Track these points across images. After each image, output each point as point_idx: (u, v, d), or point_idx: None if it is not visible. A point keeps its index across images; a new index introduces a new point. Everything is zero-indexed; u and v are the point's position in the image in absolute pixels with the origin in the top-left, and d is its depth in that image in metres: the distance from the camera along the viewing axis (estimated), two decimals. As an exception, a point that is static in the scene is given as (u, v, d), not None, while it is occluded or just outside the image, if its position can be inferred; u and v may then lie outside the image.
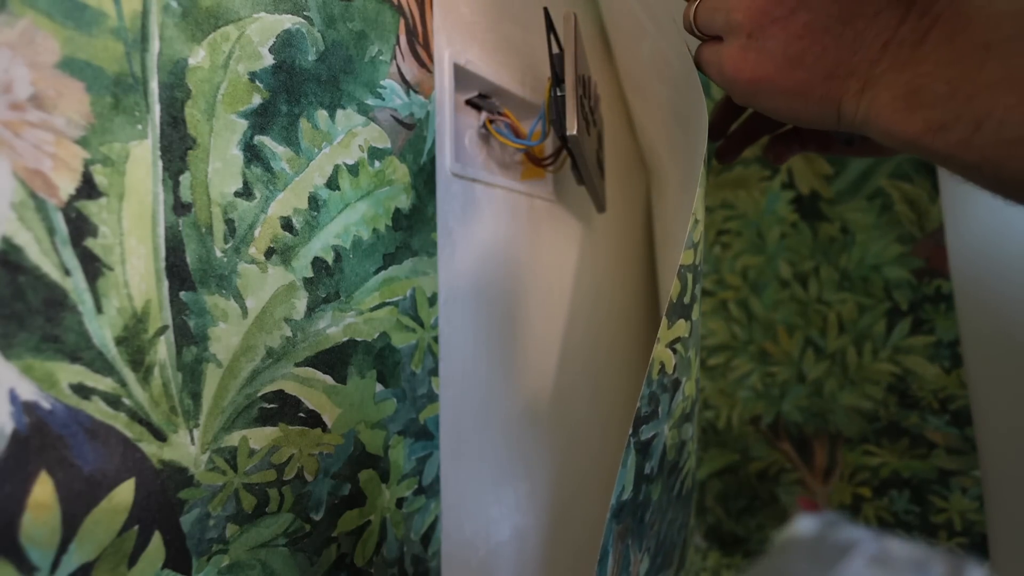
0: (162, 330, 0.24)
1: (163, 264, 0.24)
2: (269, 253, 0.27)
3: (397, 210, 0.34)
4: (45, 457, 0.20)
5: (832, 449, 0.63)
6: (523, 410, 0.45)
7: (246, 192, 0.27)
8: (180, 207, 0.24)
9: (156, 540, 0.23)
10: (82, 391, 0.21)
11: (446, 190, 0.37)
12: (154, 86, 0.23)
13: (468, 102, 0.41)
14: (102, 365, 0.22)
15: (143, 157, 0.23)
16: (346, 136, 0.31)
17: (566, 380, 0.50)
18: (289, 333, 0.28)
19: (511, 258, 0.44)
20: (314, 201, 0.29)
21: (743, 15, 0.28)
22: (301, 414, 0.29)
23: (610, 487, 0.55)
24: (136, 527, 0.23)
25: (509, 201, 0.44)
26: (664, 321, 0.30)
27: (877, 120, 0.25)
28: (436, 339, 0.36)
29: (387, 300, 0.33)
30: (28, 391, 0.20)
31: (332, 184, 0.30)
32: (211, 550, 0.25)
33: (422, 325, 0.35)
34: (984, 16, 0.23)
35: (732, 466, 0.69)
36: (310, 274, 0.29)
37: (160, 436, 0.24)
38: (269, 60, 0.27)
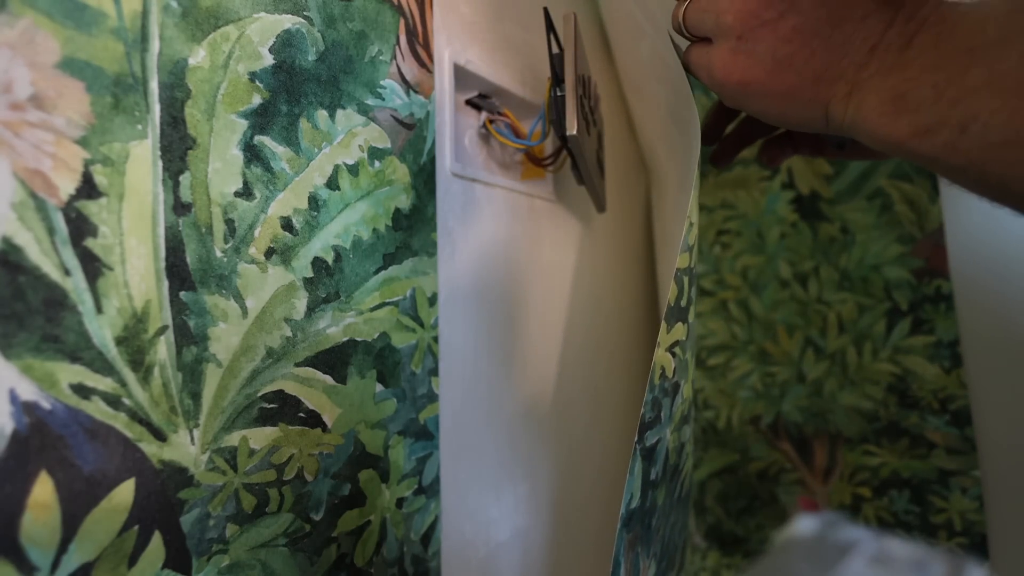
0: (162, 330, 0.24)
1: (163, 264, 0.24)
2: (269, 253, 0.27)
3: (397, 210, 0.34)
4: (45, 457, 0.20)
5: (832, 449, 0.63)
6: (523, 410, 0.45)
7: (246, 192, 0.27)
8: (180, 207, 0.24)
9: (156, 540, 0.23)
10: (82, 391, 0.21)
11: (446, 190, 0.37)
12: (154, 86, 0.23)
13: (468, 102, 0.41)
14: (102, 365, 0.22)
15: (143, 157, 0.23)
16: (346, 136, 0.31)
17: (566, 380, 0.50)
18: (289, 333, 0.28)
19: (511, 258, 0.44)
20: (314, 201, 0.29)
21: (733, 18, 0.28)
22: (301, 414, 0.29)
23: (610, 486, 0.56)
24: (136, 527, 0.23)
25: (509, 201, 0.44)
26: (663, 325, 0.30)
27: (864, 123, 0.26)
28: (436, 339, 0.36)
29: (387, 300, 0.33)
30: (28, 391, 0.20)
31: (332, 184, 0.30)
32: (211, 550, 0.25)
33: (422, 325, 0.35)
34: (969, 21, 0.23)
35: (732, 466, 0.69)
36: (310, 274, 0.29)
37: (160, 436, 0.24)
38: (269, 60, 0.27)
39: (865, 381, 0.61)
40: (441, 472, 0.37)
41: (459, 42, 0.39)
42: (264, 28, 0.27)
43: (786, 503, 0.66)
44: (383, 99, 0.33)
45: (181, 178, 0.24)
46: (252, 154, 0.27)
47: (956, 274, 0.55)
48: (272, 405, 0.28)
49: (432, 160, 0.36)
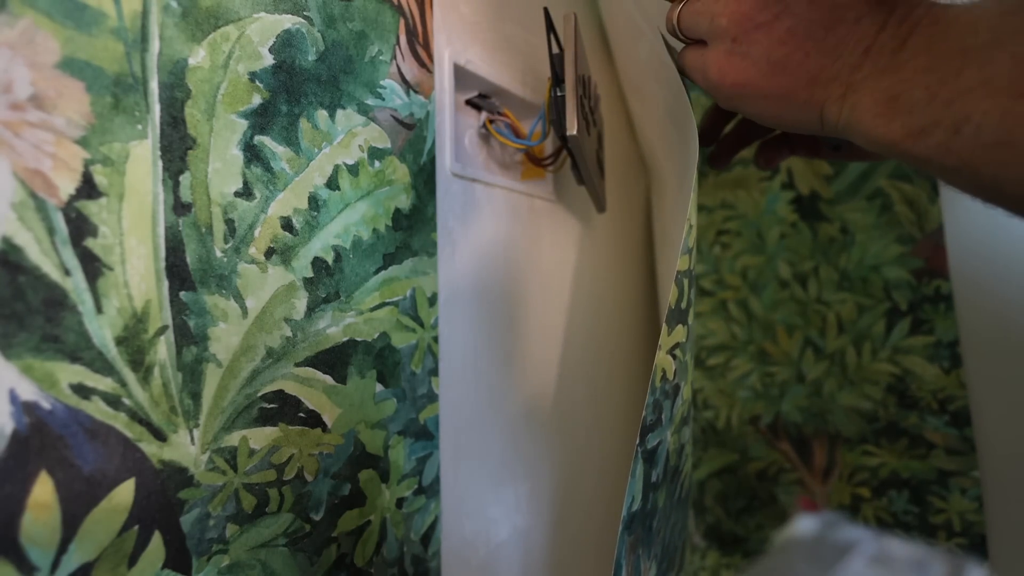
0: (162, 330, 0.24)
1: (163, 264, 0.24)
2: (269, 253, 0.27)
3: (397, 210, 0.34)
4: (45, 457, 0.20)
5: (831, 449, 0.63)
6: (523, 410, 0.45)
7: (246, 192, 0.27)
8: (180, 207, 0.24)
9: (156, 540, 0.23)
10: (82, 391, 0.21)
11: (446, 190, 0.37)
12: (154, 86, 0.23)
13: (468, 102, 0.41)
14: (102, 365, 0.22)
15: (143, 157, 0.23)
16: (346, 136, 0.31)
17: (566, 380, 0.50)
18: (289, 333, 0.28)
19: (511, 258, 0.44)
20: (314, 201, 0.29)
21: (727, 20, 0.28)
22: (301, 414, 0.29)
23: (610, 487, 0.56)
24: (136, 527, 0.23)
25: (509, 201, 0.44)
26: (664, 328, 0.30)
27: (859, 125, 0.26)
28: (436, 339, 0.36)
29: (387, 300, 0.33)
30: (28, 391, 0.20)
31: (332, 184, 0.30)
32: (211, 550, 0.25)
33: (422, 325, 0.35)
34: (961, 23, 0.23)
35: (731, 466, 0.69)
36: (310, 274, 0.29)
37: (160, 436, 0.24)
38: (269, 60, 0.27)
39: (864, 381, 0.61)
40: (441, 472, 0.37)
41: (459, 42, 0.39)
42: (264, 28, 0.27)
43: (785, 503, 0.66)
44: (383, 99, 0.33)
45: (181, 178, 0.24)
46: (252, 154, 0.27)
47: (956, 274, 0.55)
48: (272, 405, 0.28)
49: (432, 160, 0.36)
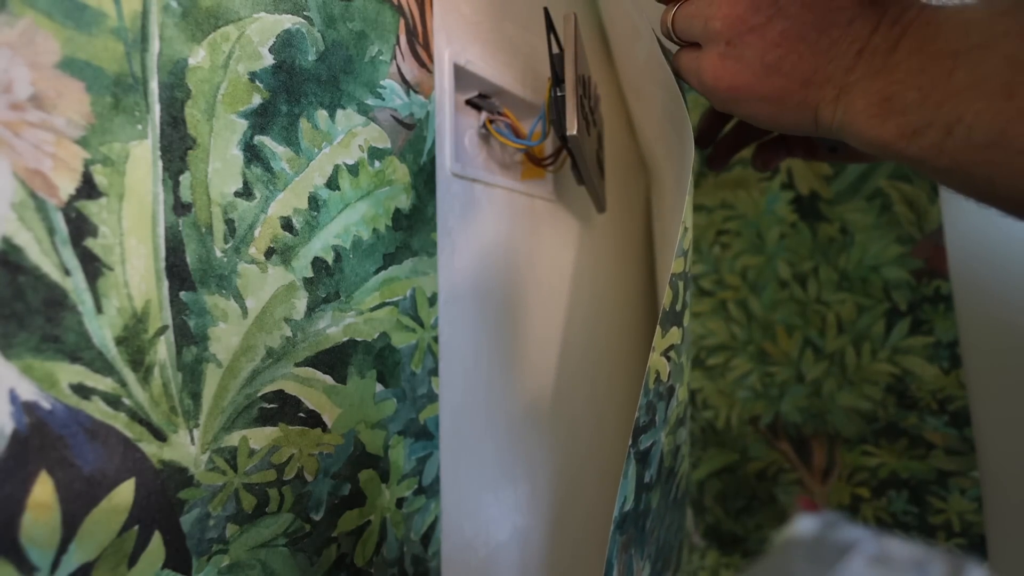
0: (162, 330, 0.24)
1: (163, 264, 0.24)
2: (269, 253, 0.27)
3: (397, 210, 0.34)
4: (45, 457, 0.20)
5: (831, 449, 0.63)
6: (523, 410, 0.45)
7: (246, 192, 0.27)
8: (180, 207, 0.24)
9: (156, 540, 0.23)
10: (82, 391, 0.21)
11: (446, 190, 0.37)
12: (154, 86, 0.23)
13: (468, 102, 0.41)
14: (102, 365, 0.22)
15: (143, 157, 0.23)
16: (346, 136, 0.31)
17: (566, 380, 0.50)
18: (289, 333, 0.28)
19: (511, 258, 0.44)
20: (314, 201, 0.29)
21: (721, 23, 0.29)
22: (301, 414, 0.29)
23: (610, 487, 0.56)
24: (136, 527, 0.23)
25: (509, 201, 0.44)
26: (658, 330, 0.30)
27: (852, 126, 0.26)
28: (436, 339, 0.36)
29: (387, 300, 0.33)
30: (28, 391, 0.20)
31: (332, 184, 0.30)
32: (211, 550, 0.25)
33: (422, 325, 0.35)
34: (952, 25, 0.23)
35: (731, 466, 0.69)
36: (310, 274, 0.29)
37: (160, 436, 0.24)
38: (269, 60, 0.27)
39: (864, 381, 0.61)
40: (441, 472, 0.37)
41: (459, 42, 0.39)
42: (264, 28, 0.27)
43: (784, 503, 0.66)
44: (383, 99, 0.33)
45: (181, 178, 0.24)
46: (252, 154, 0.27)
47: (955, 275, 0.55)
48: (272, 405, 0.28)
49: (432, 160, 0.36)
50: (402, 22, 0.34)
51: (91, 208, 0.21)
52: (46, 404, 0.20)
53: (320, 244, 0.30)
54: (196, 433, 0.25)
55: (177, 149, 0.24)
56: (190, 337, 0.24)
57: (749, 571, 0.66)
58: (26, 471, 0.20)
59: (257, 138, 0.27)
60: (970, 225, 0.54)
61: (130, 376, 0.23)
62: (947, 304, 0.56)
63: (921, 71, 0.24)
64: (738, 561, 0.68)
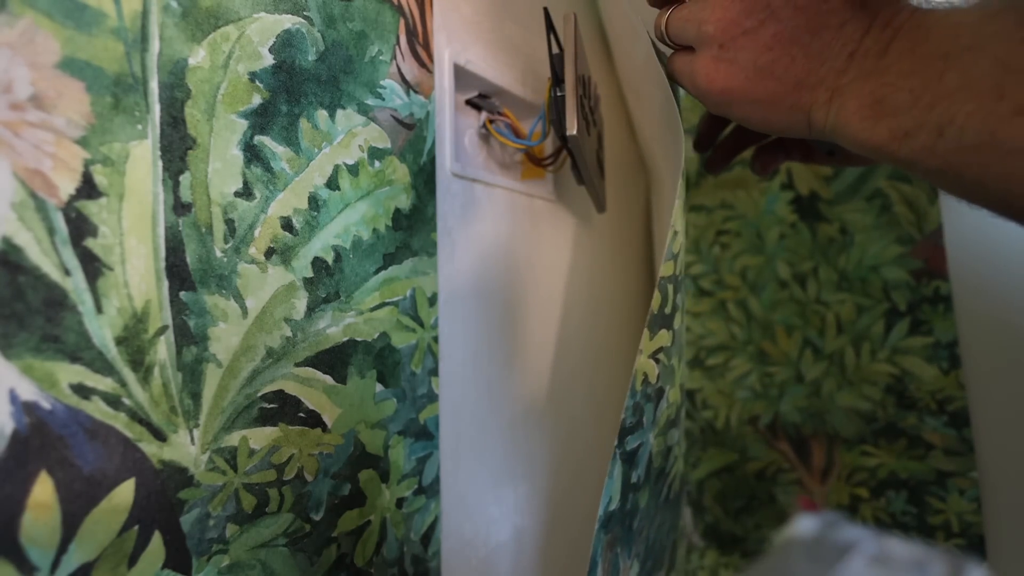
0: (162, 330, 0.24)
1: (163, 264, 0.24)
2: (269, 253, 0.27)
3: (397, 210, 0.34)
4: (45, 457, 0.20)
5: (830, 449, 0.63)
6: (523, 410, 0.45)
7: (246, 192, 0.27)
8: (180, 207, 0.24)
9: (156, 540, 0.23)
10: (82, 391, 0.21)
11: (446, 190, 0.37)
12: (154, 86, 0.23)
13: (468, 102, 0.41)
14: (102, 365, 0.22)
15: (143, 157, 0.23)
16: (346, 136, 0.31)
17: (567, 380, 0.50)
18: (289, 333, 0.28)
19: (511, 258, 0.44)
20: (314, 201, 0.29)
21: (714, 27, 0.29)
22: (301, 414, 0.29)
23: (609, 487, 0.55)
24: (136, 527, 0.23)
25: (509, 201, 0.44)
26: (645, 333, 0.30)
27: (845, 128, 0.26)
28: (436, 339, 0.36)
29: (387, 300, 0.33)
30: (28, 391, 0.20)
31: (332, 184, 0.30)
32: (211, 550, 0.25)
33: (422, 325, 0.35)
34: (942, 27, 0.24)
35: (730, 466, 0.69)
36: (310, 274, 0.29)
37: (160, 436, 0.23)
38: (269, 60, 0.27)
39: (863, 382, 0.61)
40: (441, 472, 0.37)
41: (459, 42, 0.39)
42: (264, 28, 0.27)
43: (784, 503, 0.66)
44: (383, 99, 0.33)
45: (181, 178, 0.24)
46: (252, 154, 0.27)
47: (955, 275, 0.55)
48: (272, 405, 0.28)
49: (432, 160, 0.36)
50: (402, 22, 0.34)
51: (91, 208, 0.21)
52: (46, 404, 0.20)
53: (320, 244, 0.30)
54: (196, 433, 0.25)
55: (177, 149, 0.24)
56: (190, 337, 0.24)
57: (748, 571, 0.66)
58: (26, 471, 0.20)
59: (257, 138, 0.27)
60: (970, 226, 0.54)
61: (130, 376, 0.23)
62: (946, 304, 0.56)
63: (912, 73, 0.24)
64: (737, 561, 0.68)
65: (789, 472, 0.66)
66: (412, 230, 0.35)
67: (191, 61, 0.25)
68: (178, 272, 0.24)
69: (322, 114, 0.30)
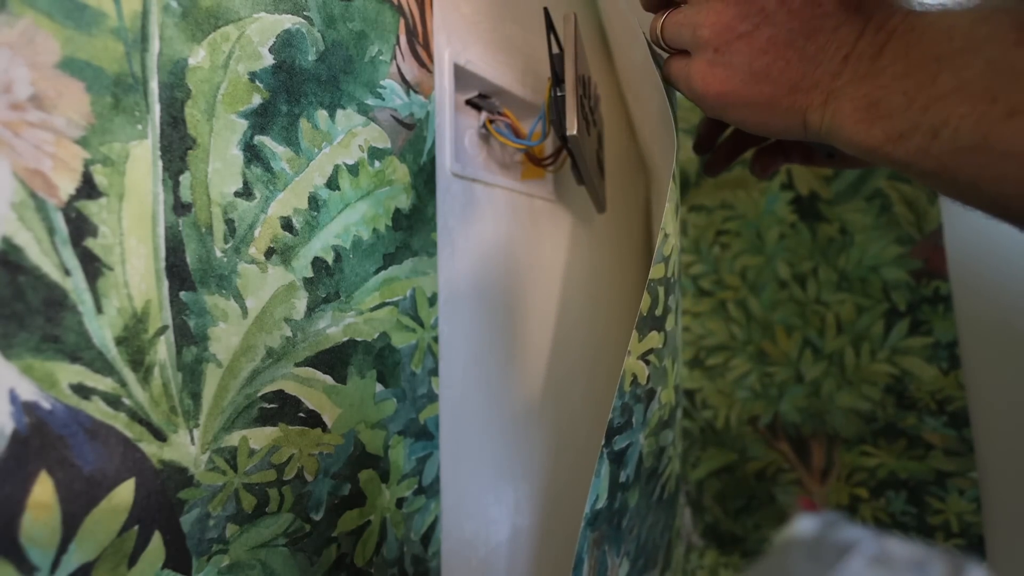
0: (162, 330, 0.24)
1: (163, 264, 0.24)
2: (269, 253, 0.27)
3: (397, 210, 0.34)
4: (45, 457, 0.20)
5: (829, 449, 0.63)
6: (523, 410, 0.45)
7: (246, 192, 0.27)
8: (180, 207, 0.24)
9: (156, 540, 0.23)
10: (82, 391, 0.21)
11: (446, 190, 0.37)
12: (154, 86, 0.23)
13: (468, 102, 0.41)
14: (102, 365, 0.22)
15: (143, 157, 0.23)
16: (346, 136, 0.31)
17: (567, 380, 0.50)
18: (289, 333, 0.28)
19: (511, 258, 0.44)
20: (314, 201, 0.29)
21: (709, 31, 0.29)
22: (301, 414, 0.29)
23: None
24: (136, 527, 0.23)
25: (509, 201, 0.44)
26: (634, 335, 0.30)
27: (840, 130, 0.26)
28: (436, 339, 0.36)
29: (387, 300, 0.33)
30: (28, 391, 0.20)
31: (332, 184, 0.30)
32: (211, 550, 0.25)
33: (422, 325, 0.35)
34: (936, 30, 0.24)
35: (730, 466, 0.69)
36: (310, 274, 0.29)
37: (160, 436, 0.23)
38: (269, 60, 0.27)
39: (863, 382, 0.61)
40: (441, 472, 0.37)
41: (459, 42, 0.39)
42: (264, 28, 0.27)
43: (783, 503, 0.66)
44: (383, 99, 0.33)
45: (181, 178, 0.24)
46: (252, 154, 0.27)
47: (955, 275, 0.55)
48: (272, 405, 0.28)
49: (432, 160, 0.36)
50: (402, 22, 0.34)
51: (91, 208, 0.21)
52: (46, 404, 0.20)
53: (320, 244, 0.30)
54: (196, 433, 0.25)
55: (177, 149, 0.24)
56: (190, 337, 0.24)
57: (748, 571, 0.66)
58: (26, 471, 0.20)
59: (257, 138, 0.27)
60: (969, 226, 0.54)
61: (130, 376, 0.23)
62: (946, 305, 0.56)
63: (906, 75, 0.24)
64: (737, 561, 0.68)
65: (789, 472, 0.66)
66: (412, 230, 0.35)
67: (191, 61, 0.25)
68: (178, 272, 0.24)
69: (322, 114, 0.30)
